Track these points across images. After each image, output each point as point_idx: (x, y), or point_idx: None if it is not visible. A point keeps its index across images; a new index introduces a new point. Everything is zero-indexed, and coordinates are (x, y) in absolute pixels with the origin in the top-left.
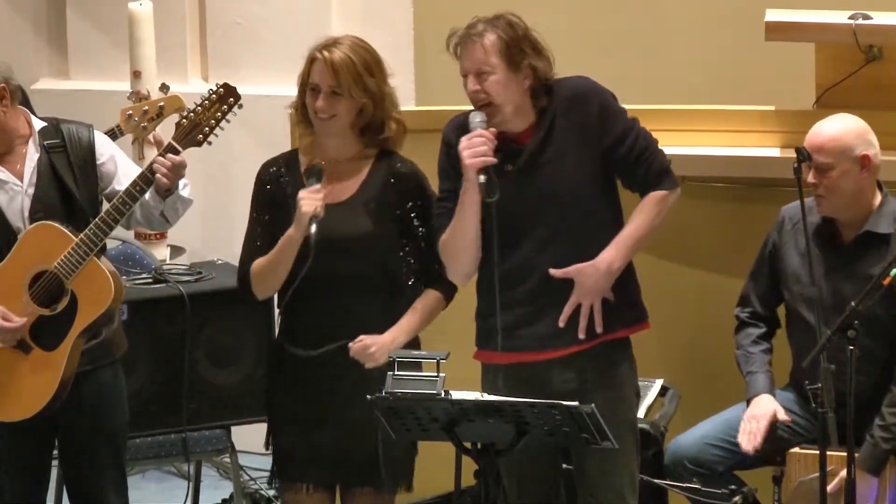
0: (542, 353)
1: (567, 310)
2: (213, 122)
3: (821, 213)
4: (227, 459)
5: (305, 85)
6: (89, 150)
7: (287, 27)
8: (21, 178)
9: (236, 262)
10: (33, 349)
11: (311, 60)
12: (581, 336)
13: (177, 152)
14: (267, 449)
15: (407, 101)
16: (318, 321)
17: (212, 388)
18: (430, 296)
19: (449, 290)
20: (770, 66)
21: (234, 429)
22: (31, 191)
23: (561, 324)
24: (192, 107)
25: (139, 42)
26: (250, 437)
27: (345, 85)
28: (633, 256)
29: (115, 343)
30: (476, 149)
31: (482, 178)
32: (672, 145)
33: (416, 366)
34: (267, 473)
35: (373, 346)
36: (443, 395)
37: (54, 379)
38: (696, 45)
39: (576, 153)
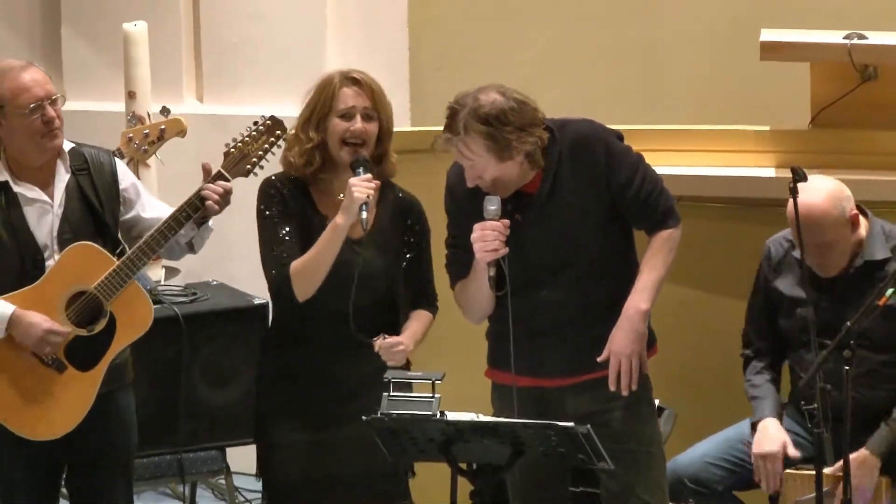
0: (556, 380)
1: (611, 375)
2: (260, 153)
3: (827, 275)
4: (223, 481)
5: (328, 112)
6: (111, 176)
7: (283, 47)
8: (52, 198)
9: (231, 283)
10: (67, 368)
11: (337, 85)
12: (625, 393)
13: (227, 180)
14: (258, 478)
15: (402, 121)
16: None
17: (207, 409)
18: (425, 316)
19: (434, 315)
20: (765, 86)
21: (229, 450)
22: (60, 211)
23: (611, 387)
24: (238, 137)
25: (134, 62)
26: (246, 459)
27: (379, 107)
28: (656, 296)
29: (129, 367)
30: (487, 243)
31: (491, 271)
32: (667, 165)
33: (410, 387)
34: (260, 495)
35: (400, 346)
36: (438, 416)
37: (88, 399)
38: (690, 64)
39: (584, 200)
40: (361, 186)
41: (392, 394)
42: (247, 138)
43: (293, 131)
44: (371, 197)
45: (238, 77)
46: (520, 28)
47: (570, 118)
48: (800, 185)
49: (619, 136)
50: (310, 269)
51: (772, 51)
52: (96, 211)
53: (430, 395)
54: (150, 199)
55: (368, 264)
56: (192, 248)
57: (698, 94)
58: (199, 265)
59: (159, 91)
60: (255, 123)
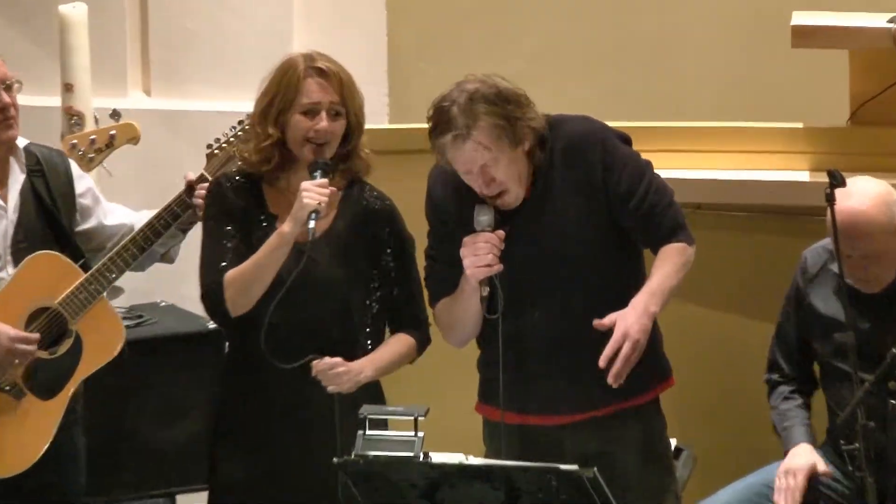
0: (552, 418)
1: (608, 350)
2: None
3: (871, 291)
4: None
5: (289, 106)
6: (67, 180)
7: (242, 35)
8: (5, 201)
9: (183, 305)
10: (25, 395)
11: (301, 75)
12: (612, 382)
13: None
14: None
15: (379, 117)
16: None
17: (155, 450)
18: (403, 341)
19: (422, 342)
20: (797, 77)
21: (179, 498)
22: (15, 217)
23: (602, 363)
24: (222, 137)
25: (71, 50)
26: None
27: (348, 101)
28: (665, 305)
29: (81, 398)
30: (479, 257)
31: (484, 291)
32: (683, 168)
33: (385, 424)
34: None
35: (341, 367)
36: (421, 458)
37: (48, 433)
38: (710, 52)
39: (578, 208)
40: (313, 192)
41: (368, 432)
42: (231, 139)
43: (248, 122)
44: (323, 205)
45: (191, 68)
46: (513, 15)
47: (565, 115)
48: (838, 191)
49: (623, 137)
50: (246, 280)
51: (804, 36)
52: (54, 217)
53: (412, 433)
54: (111, 205)
55: (319, 271)
56: (170, 259)
57: (719, 87)
58: (146, 284)
59: (101, 83)
60: (241, 122)
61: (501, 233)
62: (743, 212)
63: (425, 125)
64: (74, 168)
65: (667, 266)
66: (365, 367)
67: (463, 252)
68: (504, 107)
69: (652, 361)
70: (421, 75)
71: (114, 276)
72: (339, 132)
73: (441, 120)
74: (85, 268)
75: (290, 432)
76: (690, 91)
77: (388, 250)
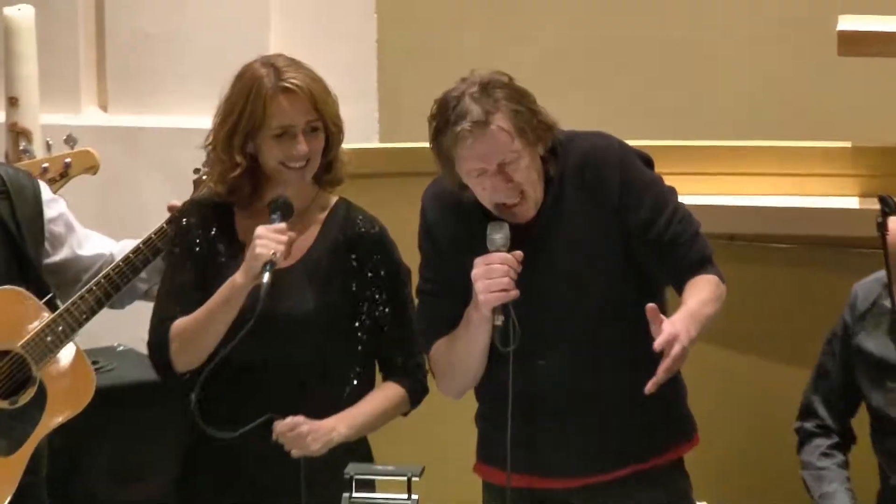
0: (563, 481)
1: (661, 339)
2: None
3: None
4: None
5: (257, 130)
6: (35, 205)
7: (211, 43)
8: None
9: (144, 349)
10: None
11: (269, 95)
12: (660, 379)
13: None
14: None
15: (369, 135)
16: (236, 406)
17: None
18: (391, 391)
19: (416, 391)
20: (843, 90)
21: None
22: None
23: (656, 347)
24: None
25: (17, 58)
26: None
27: (323, 112)
28: (701, 335)
29: (45, 455)
30: (494, 280)
31: (498, 320)
32: (713, 193)
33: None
34: None
35: (305, 426)
36: None
37: (5, 493)
38: (744, 60)
39: (592, 236)
40: (268, 240)
41: (355, 495)
42: None
43: (209, 146)
44: (279, 254)
45: (154, 79)
46: (517, 20)
47: (578, 131)
48: (891, 219)
49: (645, 158)
50: (193, 333)
51: (852, 43)
52: (18, 247)
53: (405, 496)
54: (87, 232)
55: (290, 304)
56: (153, 296)
57: (753, 101)
58: (101, 325)
59: (50, 97)
60: None
61: (519, 253)
62: (782, 243)
63: (420, 144)
64: (45, 190)
65: (702, 293)
66: (338, 425)
67: (475, 275)
68: (521, 96)
69: (674, 418)
70: (414, 86)
71: (85, 316)
72: (319, 148)
73: (450, 111)
74: (52, 305)
75: (259, 497)
76: (721, 105)
77: (378, 281)
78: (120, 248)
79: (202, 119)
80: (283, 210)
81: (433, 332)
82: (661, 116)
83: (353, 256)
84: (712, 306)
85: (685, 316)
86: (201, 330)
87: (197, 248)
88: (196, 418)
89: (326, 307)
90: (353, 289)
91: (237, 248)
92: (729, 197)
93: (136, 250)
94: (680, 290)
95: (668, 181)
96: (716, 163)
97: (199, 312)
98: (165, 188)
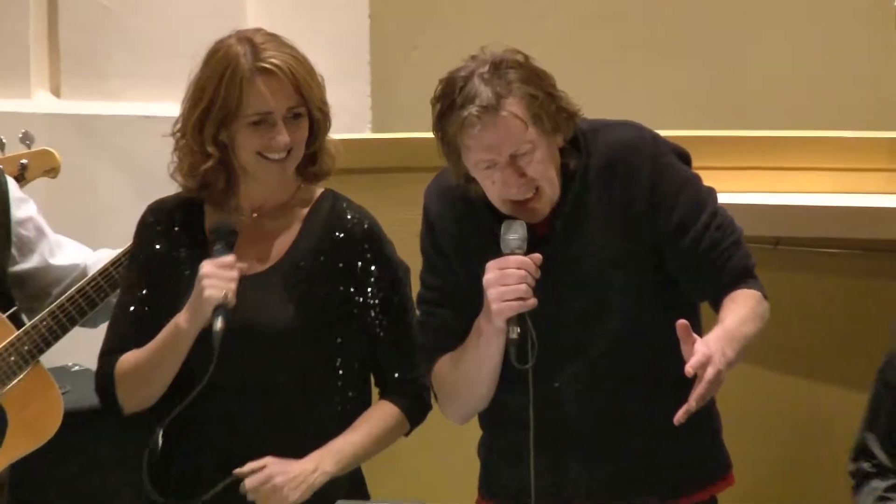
0: None
1: (694, 361)
2: None
3: None
4: None
5: (232, 117)
6: (2, 202)
7: (179, 16)
8: None
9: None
10: None
11: (245, 77)
12: (691, 408)
13: None
14: None
15: (360, 124)
16: (202, 450)
17: None
18: (387, 412)
19: (416, 409)
20: None
21: None
22: None
23: (688, 370)
24: None
25: None
26: None
27: (307, 96)
28: (740, 359)
29: (5, 489)
30: (509, 287)
31: (514, 332)
32: (757, 191)
33: None
34: None
35: (279, 477)
36: None
37: None
38: (792, 38)
39: (617, 241)
40: (217, 278)
41: None
42: None
43: (176, 133)
44: (231, 295)
45: (114, 60)
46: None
47: (606, 120)
48: None
49: (681, 153)
50: (137, 377)
51: None
52: None
53: None
54: (60, 239)
55: (268, 315)
56: None
57: (801, 85)
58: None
59: None
60: None
61: (538, 256)
62: (835, 248)
63: (420, 134)
64: (13, 188)
65: (741, 310)
66: (321, 463)
67: (487, 280)
68: (538, 78)
69: (707, 452)
70: (414, 70)
71: (55, 335)
72: (302, 137)
73: (457, 93)
74: (15, 320)
75: None
76: (765, 89)
77: (370, 282)
78: (96, 258)
79: (168, 105)
80: (227, 239)
81: (436, 348)
82: (696, 102)
83: (341, 255)
84: (753, 325)
85: (721, 335)
86: (145, 375)
87: (157, 251)
88: (147, 490)
89: (310, 318)
90: (342, 294)
91: (203, 251)
92: (774, 195)
93: (116, 262)
94: (717, 306)
95: (705, 178)
96: (759, 156)
97: (143, 354)
98: (126, 184)
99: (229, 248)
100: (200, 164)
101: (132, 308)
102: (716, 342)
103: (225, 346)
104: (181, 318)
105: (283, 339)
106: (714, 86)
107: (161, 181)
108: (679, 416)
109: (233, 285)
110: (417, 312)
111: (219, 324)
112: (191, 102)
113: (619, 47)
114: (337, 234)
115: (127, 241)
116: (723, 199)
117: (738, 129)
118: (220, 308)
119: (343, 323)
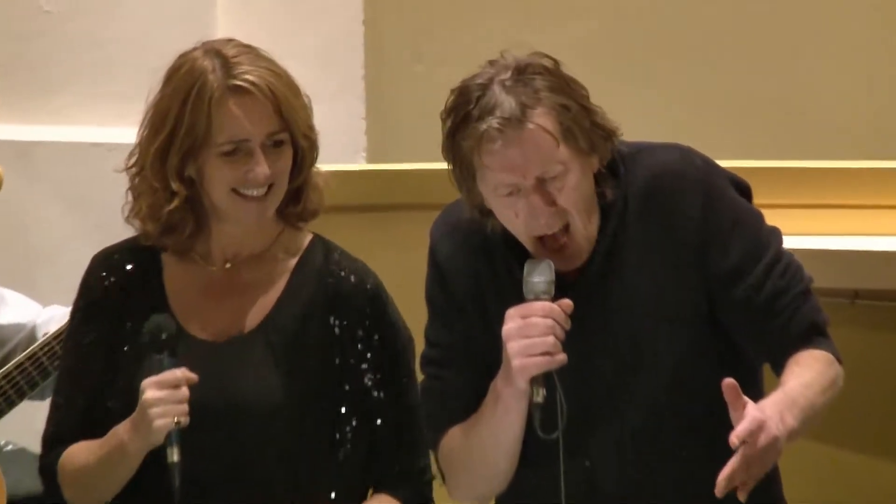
0: None
1: (727, 471)
2: None
3: None
4: None
5: (200, 145)
6: None
7: (139, 25)
8: None
9: (37, 447)
10: None
11: (215, 97)
12: (730, 484)
13: None
14: None
15: (352, 154)
16: None
17: None
18: None
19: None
20: None
21: None
22: None
23: (719, 493)
24: None
25: None
26: None
27: (290, 119)
28: (804, 430)
29: None
30: (534, 340)
31: (540, 395)
32: (830, 233)
33: None
34: None
35: None
36: None
37: None
38: (870, 57)
39: (661, 288)
40: (165, 404)
41: None
42: None
43: (132, 167)
44: (184, 419)
45: (55, 76)
46: (549, 6)
47: (649, 143)
48: None
49: (738, 183)
50: (83, 481)
51: None
52: None
53: None
54: (3, 292)
55: (248, 390)
56: None
57: (880, 109)
58: None
59: None
60: None
61: (568, 302)
62: None
63: (424, 164)
64: None
65: (807, 373)
66: None
67: (508, 331)
68: (570, 88)
69: None
70: (416, 83)
71: (5, 408)
72: (285, 168)
73: (472, 102)
74: None
75: None
76: (838, 113)
77: (370, 354)
78: (46, 317)
79: (124, 130)
80: (170, 342)
81: (444, 418)
82: (758, 127)
83: (336, 320)
84: (821, 392)
85: (781, 399)
86: (91, 481)
87: (107, 317)
88: None
89: (300, 395)
90: (338, 367)
91: (161, 311)
92: (851, 238)
93: (61, 334)
94: (778, 370)
95: (769, 217)
96: (832, 191)
97: (89, 457)
98: (73, 223)
99: (173, 355)
100: (163, 205)
101: (78, 387)
102: (773, 407)
103: (196, 433)
104: (126, 436)
105: (268, 422)
106: (778, 109)
107: (114, 219)
108: (720, 488)
109: (184, 407)
110: (421, 376)
111: (175, 455)
112: (150, 130)
113: (661, 61)
114: (332, 293)
115: (74, 290)
116: (789, 242)
117: (806, 159)
118: (171, 434)
119: (339, 402)
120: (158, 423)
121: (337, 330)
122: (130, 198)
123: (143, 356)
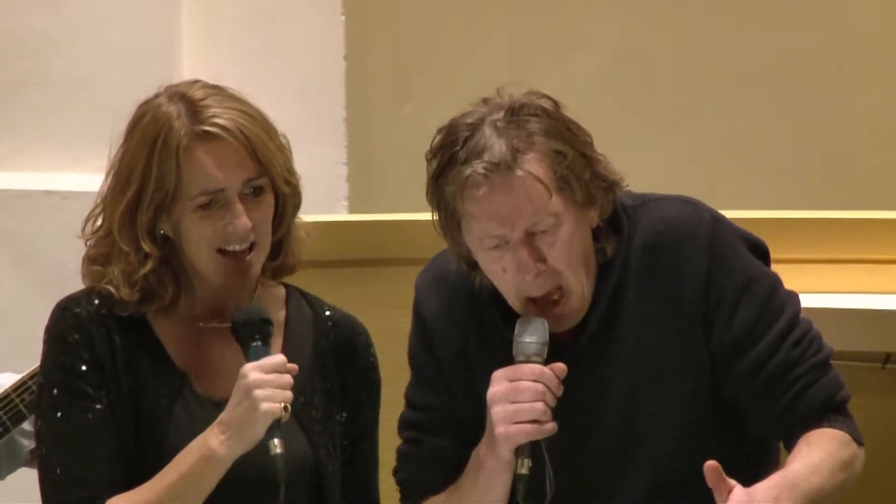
0: None
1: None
2: None
3: None
4: None
5: (171, 200)
6: None
7: (93, 57)
8: None
9: None
10: None
11: (183, 145)
12: None
13: None
14: None
15: (332, 203)
16: None
17: None
18: None
19: None
20: None
21: None
22: None
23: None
24: None
25: None
26: None
27: (272, 168)
28: None
29: None
30: (521, 405)
31: (525, 467)
32: (858, 291)
33: None
34: None
35: None
36: None
37: None
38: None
39: (663, 354)
40: (272, 387)
41: None
42: None
43: (97, 231)
44: (288, 411)
45: (19, 124)
46: (560, 24)
47: (656, 194)
48: None
49: (753, 242)
50: None
51: None
52: None
53: None
54: None
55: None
56: None
57: None
58: None
59: None
60: None
61: (561, 366)
62: None
63: (410, 214)
64: None
65: (816, 454)
66: None
67: (493, 395)
68: (569, 132)
69: None
70: (404, 125)
71: None
72: (266, 217)
73: (459, 143)
74: None
75: None
76: (866, 158)
77: (354, 403)
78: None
79: (76, 177)
80: (263, 329)
81: (422, 485)
82: (775, 174)
83: (337, 375)
84: (830, 475)
85: (777, 483)
86: None
87: (105, 370)
88: None
89: (320, 455)
90: (337, 422)
91: (174, 375)
92: (880, 297)
93: (20, 388)
94: (790, 448)
95: (788, 274)
96: (859, 244)
97: (148, 495)
98: (20, 279)
99: (266, 342)
100: (137, 270)
101: (97, 435)
102: (766, 491)
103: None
104: (215, 441)
105: (302, 474)
106: (799, 154)
107: (66, 274)
108: None
109: (289, 393)
110: (399, 444)
111: (279, 447)
112: (115, 188)
113: (671, 100)
114: (329, 347)
115: (22, 351)
116: (811, 301)
117: (829, 209)
118: (275, 425)
119: (317, 461)
120: (265, 406)
121: (331, 383)
122: (89, 266)
123: (156, 402)
